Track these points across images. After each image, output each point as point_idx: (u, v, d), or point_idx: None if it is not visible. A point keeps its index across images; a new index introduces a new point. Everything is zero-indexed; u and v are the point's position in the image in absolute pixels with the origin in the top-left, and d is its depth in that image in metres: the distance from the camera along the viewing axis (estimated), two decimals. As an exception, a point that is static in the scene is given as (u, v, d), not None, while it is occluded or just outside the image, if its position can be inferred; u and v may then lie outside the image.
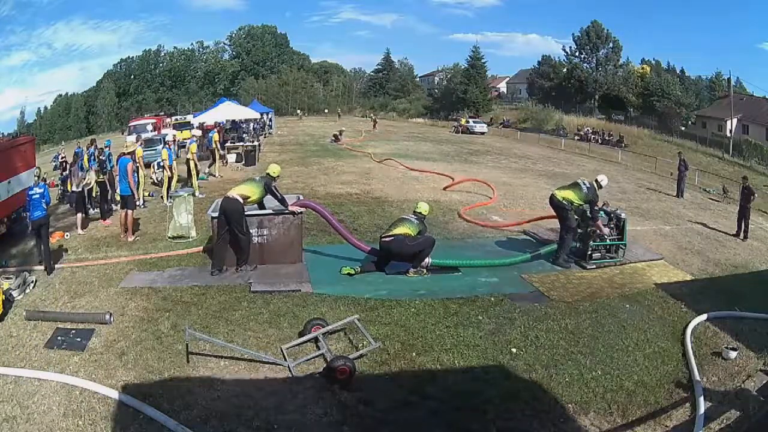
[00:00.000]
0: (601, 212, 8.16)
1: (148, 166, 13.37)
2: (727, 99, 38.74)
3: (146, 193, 12.23)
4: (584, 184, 8.02)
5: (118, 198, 11.65)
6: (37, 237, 7.68)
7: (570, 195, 7.87)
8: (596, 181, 8.13)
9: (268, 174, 7.53)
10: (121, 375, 4.70)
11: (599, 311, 6.29)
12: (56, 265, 7.57)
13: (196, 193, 11.44)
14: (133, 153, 9.93)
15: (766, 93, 39.23)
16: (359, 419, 4.22)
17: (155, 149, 15.57)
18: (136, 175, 9.82)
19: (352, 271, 7.18)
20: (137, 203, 11.57)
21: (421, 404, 4.44)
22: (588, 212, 7.92)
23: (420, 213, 7.44)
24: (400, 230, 7.12)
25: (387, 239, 7.11)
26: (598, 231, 7.91)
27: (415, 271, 7.21)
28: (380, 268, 7.34)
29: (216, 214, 7.21)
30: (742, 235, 11.34)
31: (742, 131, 36.95)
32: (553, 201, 7.94)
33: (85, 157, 12.03)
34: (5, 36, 54.89)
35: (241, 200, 7.09)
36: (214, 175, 14.95)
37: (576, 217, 7.95)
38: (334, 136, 27.16)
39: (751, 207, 12.03)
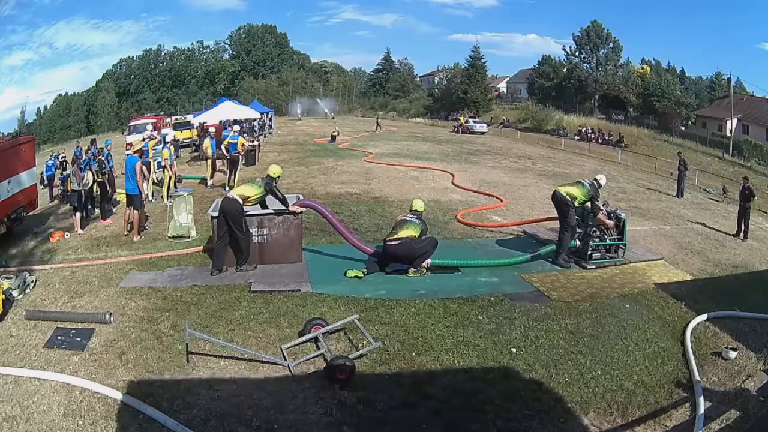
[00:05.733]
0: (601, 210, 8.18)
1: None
2: (727, 99, 38.72)
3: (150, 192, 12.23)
4: (586, 181, 8.18)
5: (117, 198, 11.73)
6: (49, 186, 13.36)
7: (574, 191, 7.91)
8: (595, 179, 8.21)
9: (268, 175, 7.53)
10: (121, 375, 4.69)
11: (599, 311, 6.29)
12: (56, 265, 7.59)
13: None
14: (140, 151, 9.81)
15: (766, 93, 39.24)
16: (359, 419, 4.22)
17: (155, 149, 15.57)
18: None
19: (361, 274, 7.08)
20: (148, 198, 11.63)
21: (421, 404, 4.44)
22: (590, 208, 7.96)
23: (417, 211, 7.44)
24: (405, 233, 7.10)
25: (394, 243, 7.07)
26: (602, 225, 7.95)
27: (415, 270, 7.21)
28: (381, 269, 7.33)
29: (216, 214, 7.22)
30: (742, 235, 11.35)
31: (742, 131, 36.93)
32: (557, 197, 7.96)
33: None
34: (6, 35, 54.86)
35: (240, 200, 7.09)
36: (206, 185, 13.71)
37: (576, 216, 7.97)
38: (332, 136, 27.73)
39: (751, 207, 12.04)
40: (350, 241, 7.68)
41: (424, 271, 7.26)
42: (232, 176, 13.31)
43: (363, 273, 7.10)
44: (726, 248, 10.26)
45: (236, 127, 16.30)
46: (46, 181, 13.83)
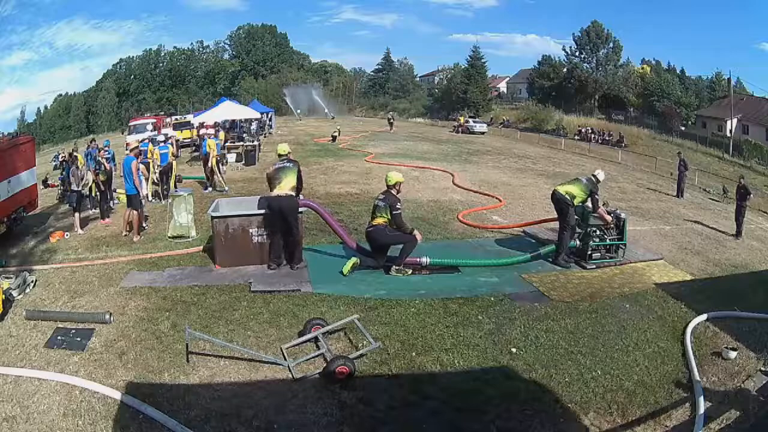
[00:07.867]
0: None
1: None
2: (727, 99, 38.75)
3: (150, 192, 12.26)
4: (584, 178, 8.17)
5: (117, 198, 11.73)
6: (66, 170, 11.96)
7: (572, 189, 7.91)
8: (593, 175, 8.20)
9: (282, 156, 7.52)
10: (121, 375, 4.69)
11: (599, 311, 6.29)
12: (56, 265, 7.59)
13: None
14: (136, 150, 9.80)
15: (766, 93, 39.36)
16: (359, 419, 4.22)
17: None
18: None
19: (358, 261, 7.15)
20: (147, 198, 11.59)
21: (421, 404, 4.43)
22: (590, 204, 7.95)
23: (389, 185, 7.39)
24: (376, 221, 7.20)
25: (369, 229, 7.29)
26: (601, 219, 7.95)
27: (397, 269, 7.20)
28: (378, 263, 7.34)
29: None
30: (736, 233, 11.39)
31: (742, 131, 36.95)
32: (555, 196, 7.96)
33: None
34: (6, 35, 54.93)
35: (294, 195, 7.13)
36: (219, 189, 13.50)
37: (576, 216, 7.96)
38: (333, 136, 27.78)
39: (748, 206, 12.06)
40: (338, 233, 7.85)
41: (409, 271, 7.25)
42: (213, 176, 13.41)
43: (358, 260, 7.17)
44: (726, 248, 10.26)
45: (211, 131, 16.01)
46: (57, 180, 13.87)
